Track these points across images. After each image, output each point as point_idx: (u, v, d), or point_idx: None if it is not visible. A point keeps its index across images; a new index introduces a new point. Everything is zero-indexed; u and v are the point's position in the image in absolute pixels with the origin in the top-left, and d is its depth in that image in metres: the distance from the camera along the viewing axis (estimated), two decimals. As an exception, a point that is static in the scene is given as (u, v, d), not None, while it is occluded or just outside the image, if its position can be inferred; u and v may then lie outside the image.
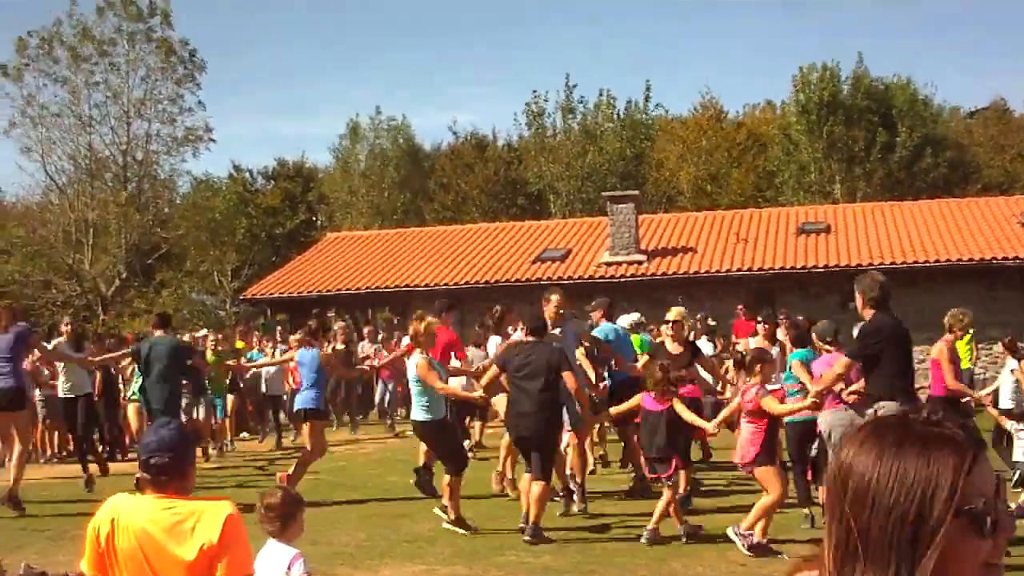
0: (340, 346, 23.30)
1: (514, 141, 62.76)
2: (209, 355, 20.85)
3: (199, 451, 17.59)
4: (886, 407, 9.86)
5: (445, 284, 33.53)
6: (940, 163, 54.51)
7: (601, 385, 14.98)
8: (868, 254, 32.08)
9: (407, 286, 33.91)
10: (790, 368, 12.81)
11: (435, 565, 10.29)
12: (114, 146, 51.06)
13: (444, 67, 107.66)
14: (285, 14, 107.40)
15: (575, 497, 13.45)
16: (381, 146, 60.78)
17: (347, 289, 34.74)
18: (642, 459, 12.14)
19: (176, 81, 51.30)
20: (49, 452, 21.28)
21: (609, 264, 33.67)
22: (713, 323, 22.51)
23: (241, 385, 23.24)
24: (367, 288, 34.33)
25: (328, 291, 34.71)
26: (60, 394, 18.66)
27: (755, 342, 17.56)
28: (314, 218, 63.68)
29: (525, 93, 75.33)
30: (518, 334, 16.96)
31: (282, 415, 23.57)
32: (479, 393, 13.55)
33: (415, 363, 12.36)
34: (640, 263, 33.45)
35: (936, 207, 36.39)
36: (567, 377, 11.88)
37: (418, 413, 12.51)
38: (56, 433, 21.09)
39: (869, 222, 34.78)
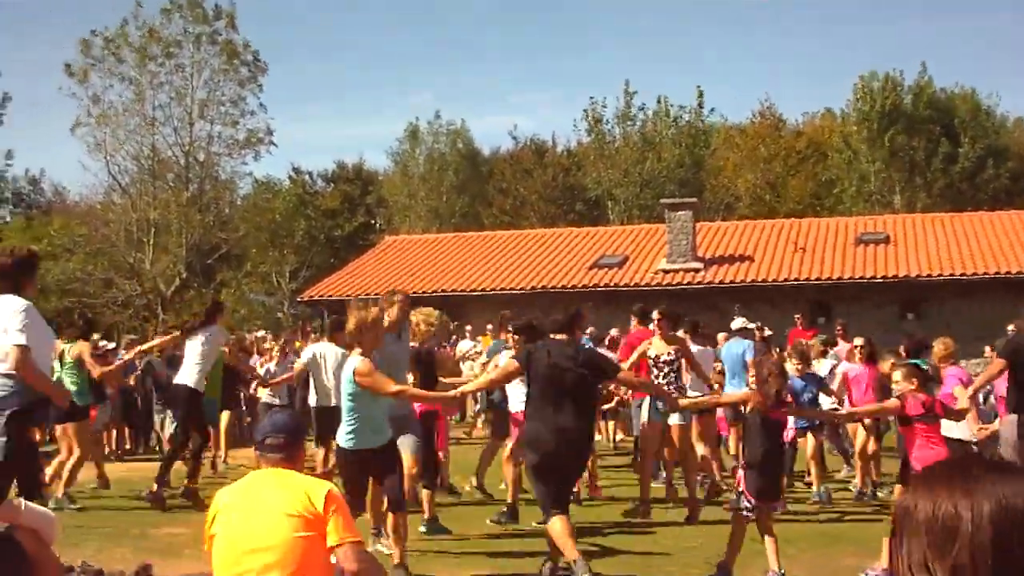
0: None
1: (573, 147, 62.83)
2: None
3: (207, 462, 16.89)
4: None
5: (502, 289, 33.58)
6: (1002, 174, 54.01)
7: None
8: (928, 265, 31.83)
9: (464, 290, 34.00)
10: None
11: None
12: (176, 147, 51.45)
13: (504, 72, 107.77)
14: (347, 18, 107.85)
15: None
16: (440, 150, 60.96)
17: (376, 295, 34.82)
18: (743, 485, 9.73)
19: (239, 83, 51.62)
20: (108, 450, 21.51)
21: (666, 271, 33.61)
22: (769, 332, 22.41)
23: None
24: (424, 292, 34.43)
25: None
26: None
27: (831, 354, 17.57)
28: (372, 221, 63.94)
29: (584, 99, 75.22)
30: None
31: None
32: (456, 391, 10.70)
33: (354, 367, 9.30)
34: (697, 271, 33.35)
35: (997, 218, 36.05)
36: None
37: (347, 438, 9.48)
38: (116, 432, 21.29)
39: (929, 233, 34.51)
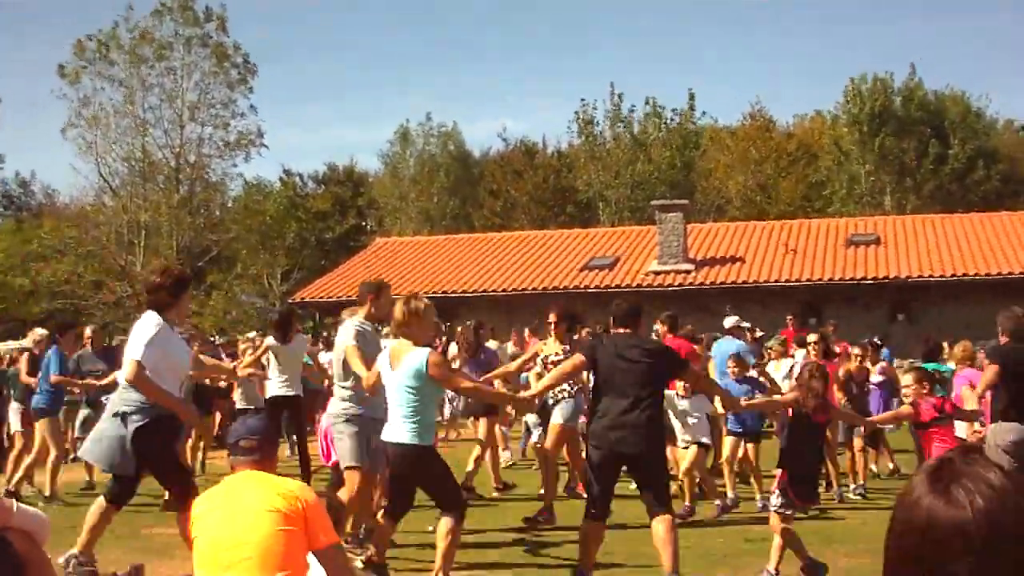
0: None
1: (563, 149, 62.87)
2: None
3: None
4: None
5: (493, 291, 33.61)
6: (992, 176, 54.14)
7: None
8: (918, 266, 31.90)
9: (455, 292, 34.00)
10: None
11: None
12: (167, 149, 51.40)
13: (496, 74, 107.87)
14: (337, 20, 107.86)
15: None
16: (430, 152, 60.95)
17: (395, 294, 34.83)
18: (777, 481, 9.63)
19: (229, 85, 51.58)
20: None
21: (657, 273, 33.64)
22: (761, 333, 22.41)
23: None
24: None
25: (376, 296, 34.80)
26: None
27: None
28: (363, 223, 63.91)
29: (575, 101, 75.31)
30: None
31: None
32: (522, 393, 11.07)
33: (428, 358, 8.79)
34: (688, 272, 33.39)
35: (987, 220, 36.12)
36: None
37: (410, 433, 8.85)
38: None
39: (919, 234, 34.58)
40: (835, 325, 23.34)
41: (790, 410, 9.97)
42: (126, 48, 49.51)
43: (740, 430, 13.84)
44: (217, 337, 31.34)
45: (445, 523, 8.81)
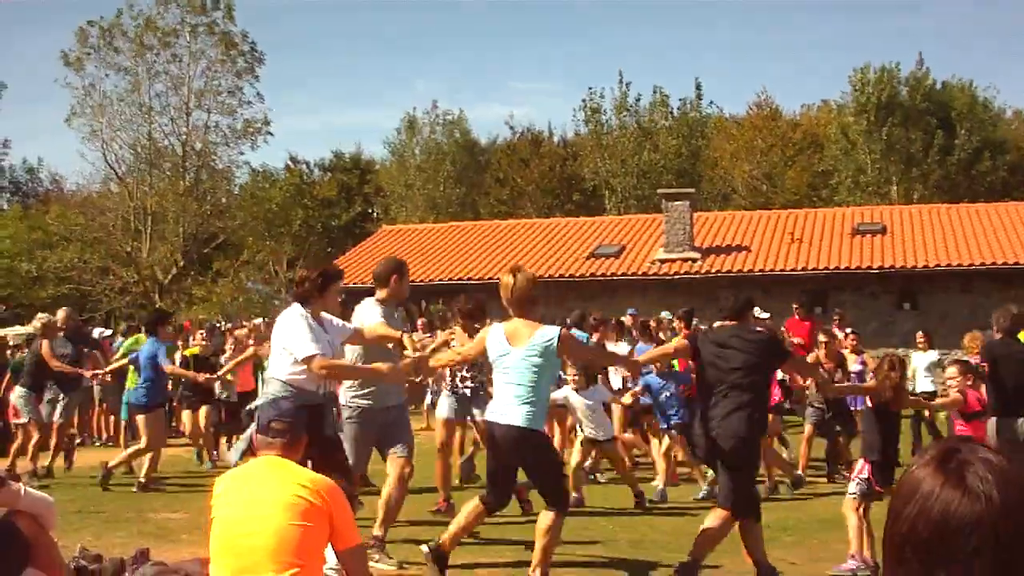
0: None
1: (570, 137, 62.85)
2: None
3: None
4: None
5: (499, 278, 33.55)
6: (999, 166, 54.01)
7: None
8: (924, 256, 31.85)
9: (461, 279, 34.00)
10: None
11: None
12: (173, 136, 51.52)
13: (501, 62, 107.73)
14: (344, 8, 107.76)
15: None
16: (437, 140, 60.90)
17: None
18: (867, 472, 9.55)
19: (236, 73, 51.63)
20: (105, 436, 21.55)
21: (663, 261, 33.62)
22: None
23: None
24: (421, 281, 34.45)
25: (382, 283, 34.82)
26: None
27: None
28: (370, 210, 63.94)
29: (582, 89, 75.27)
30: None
31: None
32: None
33: (560, 334, 8.57)
34: (694, 261, 33.37)
35: (994, 210, 36.05)
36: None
37: (525, 416, 8.30)
38: (112, 417, 21.30)
39: (925, 224, 34.53)
40: (841, 314, 23.35)
41: (868, 400, 10.06)
42: (131, 36, 49.55)
43: (666, 425, 13.96)
44: (223, 323, 31.36)
45: (546, 518, 8.35)
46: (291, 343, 8.50)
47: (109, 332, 22.64)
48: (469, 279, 33.96)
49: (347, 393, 9.77)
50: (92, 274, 49.23)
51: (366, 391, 9.67)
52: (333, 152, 68.64)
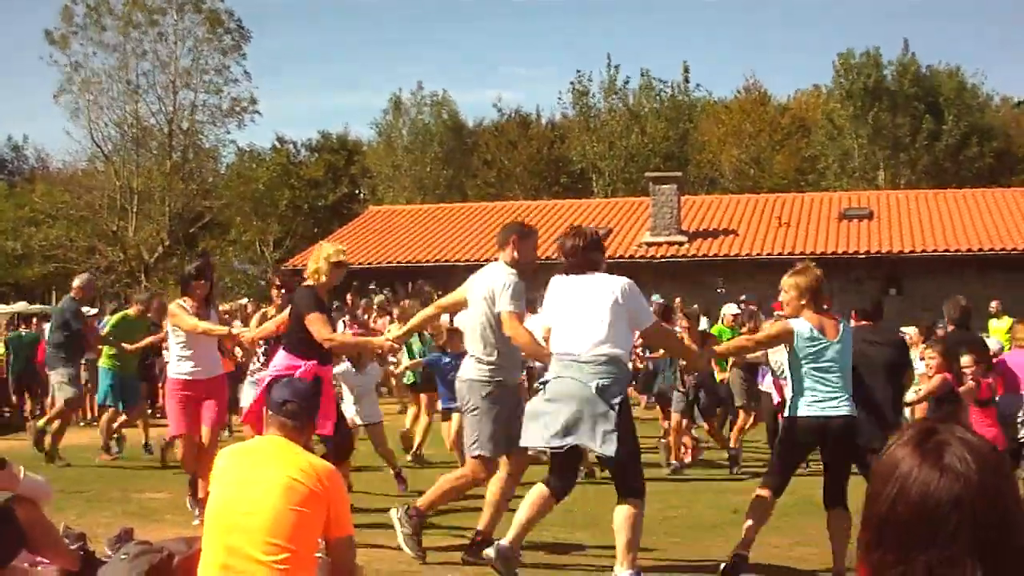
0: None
1: (558, 120, 62.79)
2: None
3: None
4: None
5: (486, 260, 33.50)
6: (986, 152, 54.04)
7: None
8: (911, 241, 31.91)
9: (448, 261, 33.98)
10: None
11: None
12: (160, 115, 51.41)
13: (489, 44, 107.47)
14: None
15: None
16: (424, 121, 60.75)
17: (388, 262, 34.86)
18: None
19: (222, 51, 51.52)
20: (89, 416, 21.47)
21: (650, 244, 33.63)
22: (754, 307, 22.40)
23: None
24: (407, 262, 34.43)
25: (369, 264, 34.81)
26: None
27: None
28: (356, 191, 63.81)
29: (570, 72, 75.14)
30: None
31: None
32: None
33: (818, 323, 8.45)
34: (681, 244, 33.39)
35: (981, 196, 36.13)
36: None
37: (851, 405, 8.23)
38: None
39: (912, 209, 34.59)
40: (828, 299, 23.36)
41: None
42: (117, 14, 49.36)
43: (452, 406, 13.87)
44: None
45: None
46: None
47: (95, 311, 22.50)
48: (456, 260, 33.94)
49: (482, 371, 8.58)
50: (78, 252, 49.13)
51: (502, 369, 8.66)
52: (320, 132, 68.56)
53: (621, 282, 7.82)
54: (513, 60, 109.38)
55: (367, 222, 40.28)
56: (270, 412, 5.74)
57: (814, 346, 8.15)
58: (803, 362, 8.18)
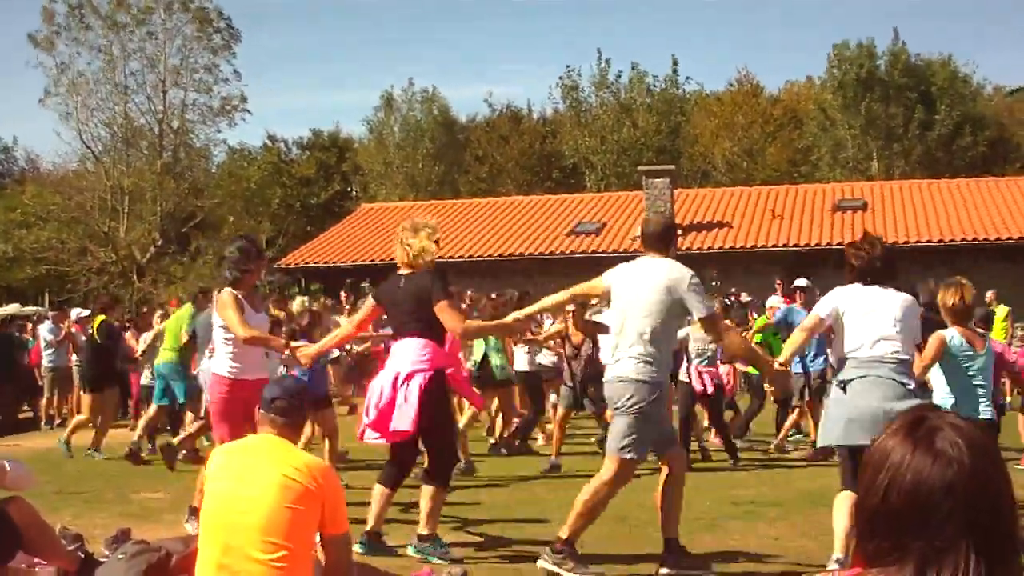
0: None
1: (549, 114, 62.79)
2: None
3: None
4: None
5: (479, 256, 33.55)
6: (979, 142, 54.09)
7: None
8: (905, 232, 31.92)
9: (441, 257, 33.82)
10: None
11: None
12: (150, 114, 51.28)
13: (480, 39, 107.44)
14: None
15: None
16: (415, 117, 60.70)
17: (381, 260, 34.80)
18: None
19: (212, 50, 51.40)
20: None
21: (644, 238, 33.60)
22: (748, 298, 22.40)
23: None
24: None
25: (362, 261, 34.79)
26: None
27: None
28: (348, 189, 63.79)
29: (560, 66, 75.14)
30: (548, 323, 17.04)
31: None
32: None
33: None
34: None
35: (975, 185, 36.16)
36: None
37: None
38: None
39: (906, 200, 34.61)
40: (822, 291, 23.34)
41: None
42: (103, 13, 49.23)
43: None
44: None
45: None
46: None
47: (87, 312, 22.46)
48: (450, 257, 33.89)
49: (645, 369, 8.02)
50: (69, 254, 49.02)
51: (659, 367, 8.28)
52: (311, 130, 68.55)
53: (909, 298, 8.32)
54: (504, 55, 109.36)
55: (359, 219, 40.25)
56: (259, 411, 5.70)
57: (964, 357, 8.72)
58: (954, 371, 8.73)
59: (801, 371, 14.70)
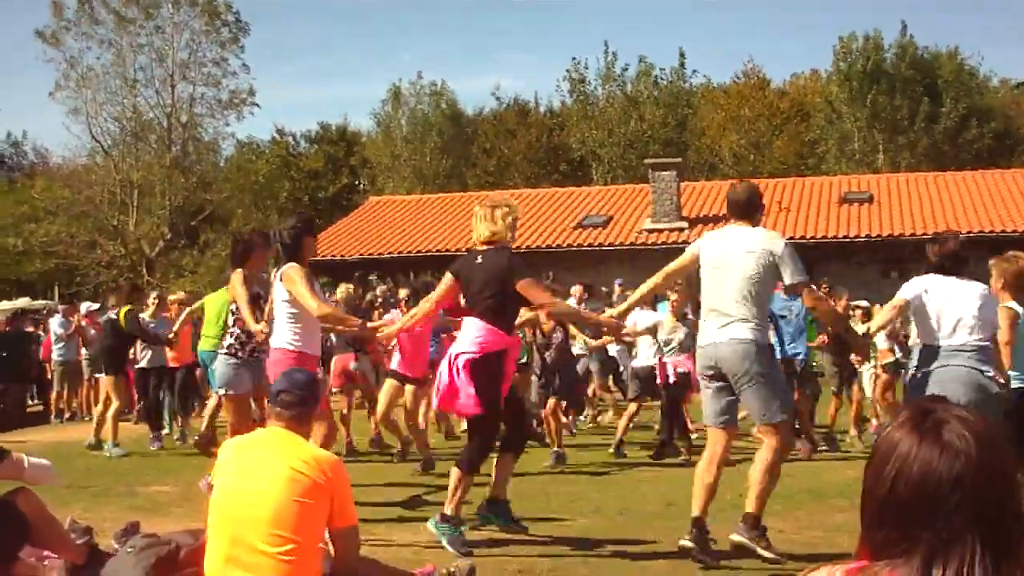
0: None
1: (556, 107, 62.77)
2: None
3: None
4: None
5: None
6: (986, 134, 53.97)
7: None
8: (911, 224, 31.89)
9: (448, 250, 33.97)
10: None
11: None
12: (159, 108, 51.33)
13: (487, 32, 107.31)
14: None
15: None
16: (423, 111, 60.70)
17: (389, 253, 34.88)
18: None
19: (220, 44, 51.44)
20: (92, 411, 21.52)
21: (651, 231, 33.61)
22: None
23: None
24: (408, 252, 34.44)
25: (370, 255, 34.85)
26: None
27: None
28: (356, 182, 63.83)
29: (567, 59, 75.04)
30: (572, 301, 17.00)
31: None
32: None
33: None
34: (682, 230, 33.36)
35: (981, 178, 36.10)
36: None
37: None
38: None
39: (912, 192, 34.56)
40: (828, 284, 23.35)
41: None
42: (112, 7, 49.27)
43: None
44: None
45: None
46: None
47: (96, 306, 22.54)
48: (457, 250, 33.92)
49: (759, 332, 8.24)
50: (79, 248, 49.08)
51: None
52: (319, 124, 68.59)
53: (985, 287, 8.54)
54: (512, 47, 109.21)
55: (367, 213, 40.27)
56: (268, 404, 5.75)
57: None
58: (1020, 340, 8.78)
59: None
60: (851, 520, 9.75)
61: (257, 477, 5.37)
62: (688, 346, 13.61)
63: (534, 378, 14.26)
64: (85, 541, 7.16)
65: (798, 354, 14.20)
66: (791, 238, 31.89)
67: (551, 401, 13.82)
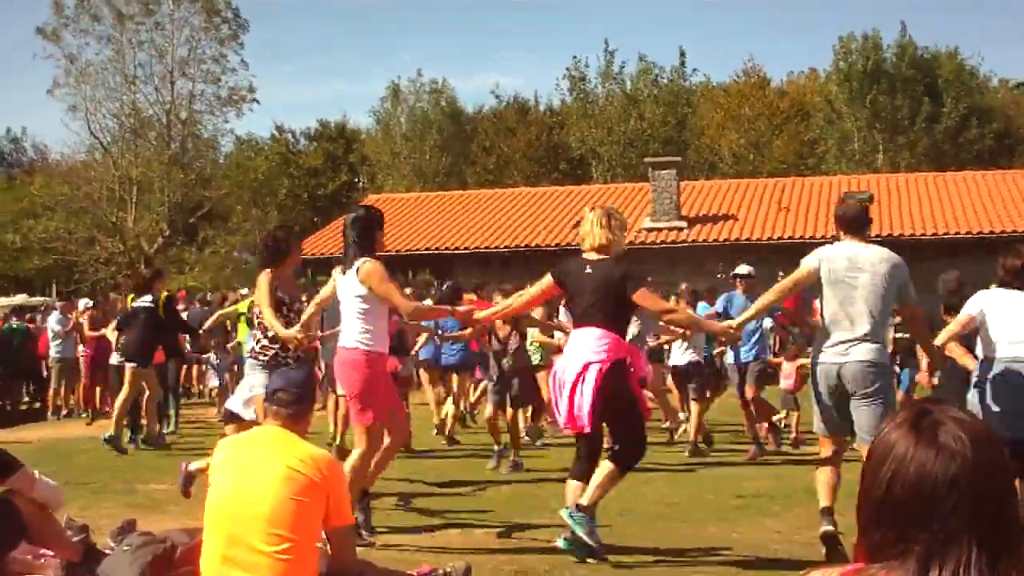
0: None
1: (556, 106, 62.77)
2: None
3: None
4: None
5: (486, 247, 33.55)
6: (986, 134, 54.00)
7: None
8: (911, 225, 31.88)
9: (448, 248, 33.97)
10: None
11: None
12: (158, 105, 51.25)
13: (487, 31, 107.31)
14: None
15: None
16: (422, 108, 60.71)
17: (388, 251, 34.81)
18: None
19: (220, 41, 51.37)
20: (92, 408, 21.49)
21: (650, 230, 33.60)
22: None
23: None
24: (408, 250, 34.40)
25: (369, 252, 34.79)
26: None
27: None
28: (356, 179, 63.81)
29: (567, 57, 75.03)
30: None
31: None
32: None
33: None
34: (681, 230, 33.37)
35: (981, 178, 36.11)
36: None
37: None
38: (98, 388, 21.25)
39: (912, 192, 34.56)
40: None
41: None
42: (112, 3, 49.24)
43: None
44: (210, 293, 31.24)
45: None
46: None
47: (92, 303, 22.57)
48: (456, 248, 33.93)
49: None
50: (77, 244, 49.04)
51: None
52: (319, 121, 68.53)
53: None
54: (511, 45, 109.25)
55: (366, 210, 40.24)
56: (265, 403, 5.73)
57: None
58: None
59: (733, 362, 14.63)
60: (849, 522, 9.76)
61: (254, 475, 5.35)
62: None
63: (489, 385, 13.81)
64: (82, 539, 7.14)
65: (749, 360, 14.37)
66: (791, 238, 32.03)
67: (490, 409, 13.52)
